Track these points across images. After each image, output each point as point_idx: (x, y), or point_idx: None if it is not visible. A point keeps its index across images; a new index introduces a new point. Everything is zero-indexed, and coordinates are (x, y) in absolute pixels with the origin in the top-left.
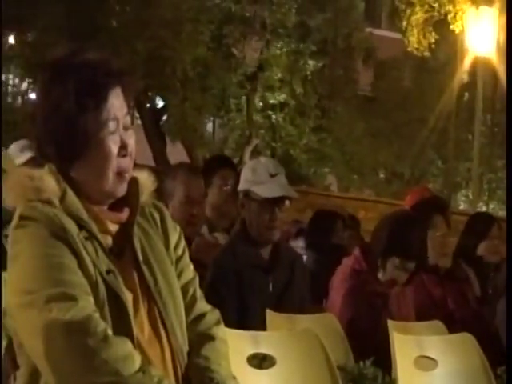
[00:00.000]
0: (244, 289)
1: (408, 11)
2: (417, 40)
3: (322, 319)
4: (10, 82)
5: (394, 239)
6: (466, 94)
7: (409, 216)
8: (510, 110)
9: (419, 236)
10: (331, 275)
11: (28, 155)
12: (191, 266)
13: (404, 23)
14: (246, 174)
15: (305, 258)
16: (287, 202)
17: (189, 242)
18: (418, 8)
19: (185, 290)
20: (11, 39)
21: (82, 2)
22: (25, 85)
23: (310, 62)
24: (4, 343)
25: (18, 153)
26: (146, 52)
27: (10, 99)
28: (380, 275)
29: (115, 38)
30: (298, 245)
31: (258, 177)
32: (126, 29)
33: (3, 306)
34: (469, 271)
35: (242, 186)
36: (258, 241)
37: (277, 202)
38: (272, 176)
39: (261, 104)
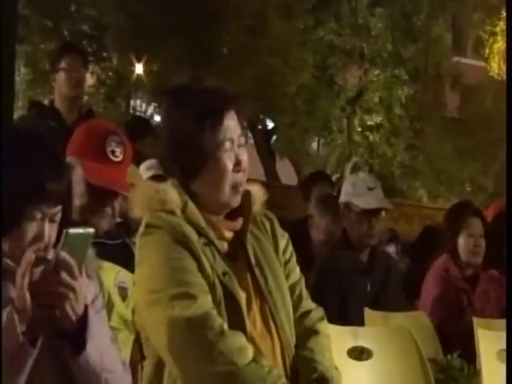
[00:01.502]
0: (345, 289)
1: (491, 40)
2: (498, 66)
3: (414, 317)
4: (138, 107)
5: (459, 215)
6: None
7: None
8: (510, 110)
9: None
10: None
11: (151, 173)
12: (298, 269)
13: (487, 51)
14: (346, 188)
15: (399, 260)
16: (383, 213)
17: None
18: (499, 37)
19: (292, 289)
20: (139, 69)
21: (197, 35)
22: (151, 109)
23: (404, 88)
24: (132, 337)
25: (144, 170)
26: (257, 78)
27: None
28: (461, 253)
29: (228, 65)
30: (390, 249)
31: (357, 190)
32: (237, 56)
33: (131, 305)
34: None
35: (342, 198)
36: (357, 246)
37: (374, 212)
38: (370, 189)
39: (360, 126)
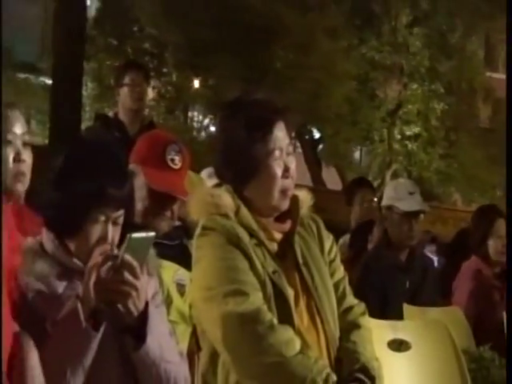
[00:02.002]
0: (386, 286)
1: None
2: None
3: (449, 311)
4: (195, 118)
5: (486, 218)
6: None
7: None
8: (510, 110)
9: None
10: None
11: (215, 180)
12: (341, 268)
13: None
14: (388, 192)
15: (436, 259)
16: (422, 216)
17: None
18: None
19: (336, 286)
20: (196, 83)
21: (250, 52)
22: (207, 121)
23: (440, 101)
24: (189, 330)
25: (206, 177)
26: (305, 91)
27: (195, 133)
28: (491, 254)
29: (279, 79)
30: (432, 249)
31: (398, 194)
32: (287, 72)
33: (189, 300)
34: None
35: (385, 202)
36: (397, 246)
37: (414, 215)
38: (410, 194)
39: (399, 136)
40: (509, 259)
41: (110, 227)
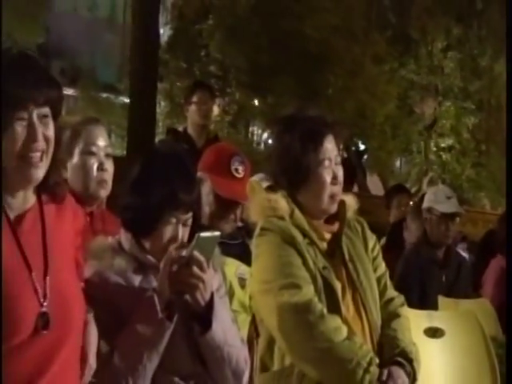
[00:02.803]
0: (425, 279)
1: None
2: None
3: (479, 303)
4: (255, 132)
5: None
6: None
7: None
8: (510, 110)
9: None
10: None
11: (265, 185)
12: (383, 264)
13: None
14: (429, 196)
15: (467, 256)
16: (458, 219)
17: None
18: None
19: (379, 280)
20: (256, 102)
21: (305, 73)
22: (265, 135)
23: (471, 116)
24: (249, 319)
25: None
26: (352, 109)
27: (254, 145)
28: None
29: (330, 100)
30: (463, 247)
31: (438, 198)
32: (337, 94)
33: (249, 292)
34: None
35: (425, 204)
36: (435, 244)
37: (451, 216)
38: (448, 198)
39: (434, 147)
40: (509, 259)
41: (181, 228)
